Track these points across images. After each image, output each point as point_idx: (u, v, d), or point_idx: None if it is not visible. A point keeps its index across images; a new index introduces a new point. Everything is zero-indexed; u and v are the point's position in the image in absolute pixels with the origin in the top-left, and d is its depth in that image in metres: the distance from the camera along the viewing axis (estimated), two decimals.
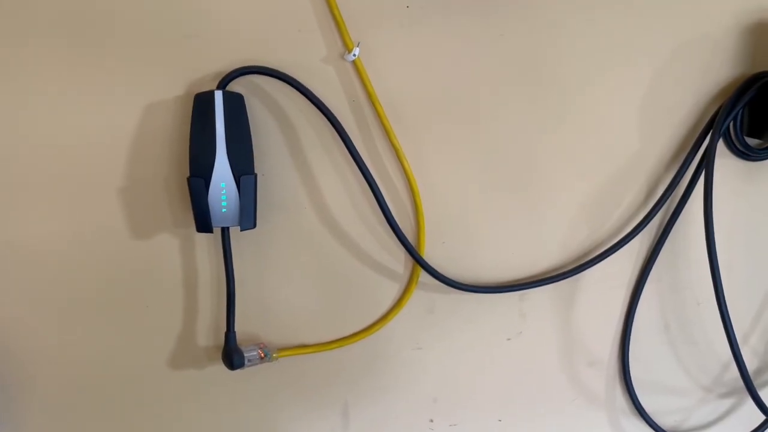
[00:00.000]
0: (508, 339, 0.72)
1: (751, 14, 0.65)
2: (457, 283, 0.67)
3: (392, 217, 0.64)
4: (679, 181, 0.67)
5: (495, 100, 0.65)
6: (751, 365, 0.77)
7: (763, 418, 0.74)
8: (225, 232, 0.61)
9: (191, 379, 0.68)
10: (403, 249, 0.66)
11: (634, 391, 0.74)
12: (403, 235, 0.64)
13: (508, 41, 0.63)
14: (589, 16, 0.64)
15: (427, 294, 0.69)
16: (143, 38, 0.59)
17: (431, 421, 0.74)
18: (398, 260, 0.68)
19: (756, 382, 0.78)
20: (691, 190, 0.68)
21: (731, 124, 0.67)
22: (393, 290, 0.69)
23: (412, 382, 0.72)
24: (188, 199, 0.59)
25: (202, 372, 0.68)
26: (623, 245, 0.68)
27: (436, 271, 0.66)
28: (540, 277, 0.69)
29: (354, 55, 0.60)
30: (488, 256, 0.69)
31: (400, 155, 0.64)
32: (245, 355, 0.64)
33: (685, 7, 0.64)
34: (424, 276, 0.68)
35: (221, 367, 0.65)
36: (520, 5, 0.63)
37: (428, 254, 0.68)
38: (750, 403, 0.70)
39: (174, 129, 0.61)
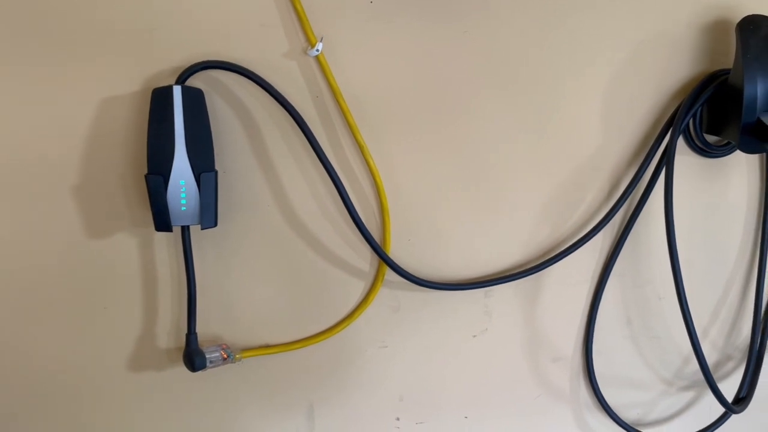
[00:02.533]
0: (474, 336, 0.72)
1: (710, 13, 0.66)
2: (423, 280, 0.67)
3: (357, 214, 0.63)
4: (640, 178, 0.68)
5: (460, 98, 0.65)
6: (710, 358, 0.79)
7: (722, 410, 0.76)
8: (185, 230, 0.60)
9: (151, 382, 0.67)
10: (369, 247, 0.65)
11: (597, 385, 0.75)
12: (369, 232, 0.64)
13: (473, 39, 0.63)
14: (551, 15, 0.64)
15: (392, 292, 0.69)
16: (99, 31, 0.57)
17: (398, 419, 0.73)
18: (364, 258, 0.67)
19: (715, 375, 0.80)
20: (652, 187, 0.69)
21: (691, 122, 0.68)
22: (358, 288, 0.68)
23: (378, 381, 0.72)
24: (146, 197, 0.57)
25: (163, 374, 0.66)
26: (586, 241, 0.69)
27: (401, 269, 0.66)
28: (505, 274, 0.69)
29: (317, 50, 0.59)
30: (454, 254, 0.69)
31: (365, 152, 0.63)
32: (207, 356, 0.62)
33: (646, 6, 0.65)
34: (389, 274, 0.67)
35: (183, 369, 0.63)
36: (484, 4, 0.63)
37: (394, 252, 0.67)
38: (710, 395, 0.72)
39: (131, 125, 0.59)
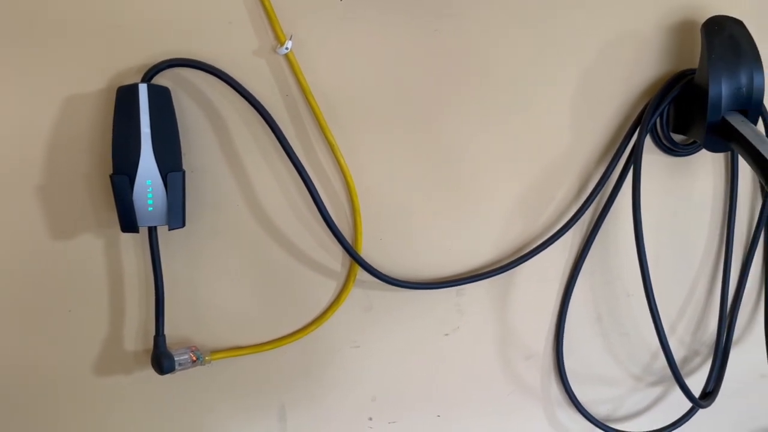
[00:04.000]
0: (446, 334, 0.72)
1: (676, 14, 0.67)
2: (395, 279, 0.67)
3: (328, 214, 0.62)
4: (608, 177, 0.69)
5: (431, 97, 0.65)
6: (678, 354, 0.80)
7: (689, 405, 0.77)
8: (152, 231, 0.59)
9: (119, 386, 0.65)
10: (340, 246, 0.65)
11: (568, 382, 0.76)
12: (340, 232, 0.63)
13: (444, 38, 0.63)
14: (522, 15, 0.64)
15: (364, 291, 0.69)
16: (62, 28, 0.56)
17: (370, 419, 0.73)
18: (335, 258, 0.67)
19: (683, 371, 0.81)
20: (621, 185, 0.70)
21: (658, 121, 0.69)
22: (330, 288, 0.68)
23: (350, 381, 0.71)
24: (112, 197, 0.56)
25: (131, 377, 0.65)
26: (556, 240, 0.69)
27: (373, 269, 0.65)
28: (476, 273, 0.70)
29: (286, 48, 0.59)
30: (425, 253, 0.69)
31: (335, 151, 0.63)
32: (176, 358, 0.61)
33: (613, 6, 0.66)
34: (361, 273, 0.67)
35: (151, 372, 0.62)
36: (454, 3, 0.63)
37: (366, 251, 0.67)
38: (678, 390, 0.73)
39: (96, 124, 0.58)
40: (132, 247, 0.61)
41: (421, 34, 0.63)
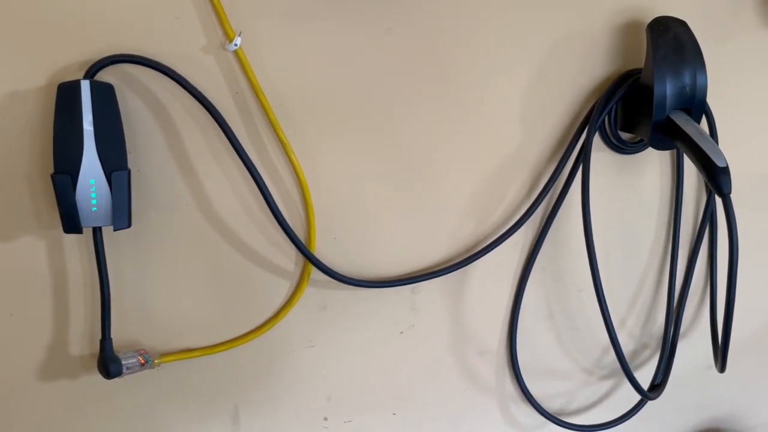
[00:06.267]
0: (401, 332, 0.72)
1: (623, 14, 0.68)
2: (349, 278, 0.67)
3: (280, 213, 0.62)
4: (559, 175, 0.70)
5: (384, 95, 0.64)
6: (628, 347, 0.82)
7: (639, 397, 0.79)
8: (97, 232, 0.57)
9: (65, 391, 0.64)
10: (293, 245, 0.64)
11: (522, 377, 0.77)
12: (292, 231, 0.63)
13: (396, 37, 0.63)
14: (473, 14, 0.64)
15: (319, 291, 0.68)
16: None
17: (325, 419, 0.73)
18: (288, 257, 0.66)
19: (633, 364, 0.83)
20: (571, 183, 0.71)
21: (606, 119, 0.70)
22: (283, 288, 0.67)
23: (305, 382, 0.71)
24: (54, 197, 0.54)
25: (77, 382, 0.63)
26: (508, 237, 0.70)
27: (326, 267, 0.65)
28: (430, 271, 0.70)
29: (235, 44, 0.58)
30: (380, 251, 0.69)
31: (287, 149, 0.62)
32: (123, 362, 0.60)
33: (561, 6, 0.67)
34: (315, 273, 0.67)
35: (99, 377, 0.60)
36: (406, 2, 0.63)
37: (319, 250, 0.66)
38: (628, 383, 0.74)
39: (36, 121, 0.56)
40: (76, 248, 0.60)
41: (374, 32, 0.63)
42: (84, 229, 0.56)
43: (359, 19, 0.62)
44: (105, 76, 0.56)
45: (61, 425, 0.65)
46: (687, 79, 0.64)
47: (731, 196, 0.60)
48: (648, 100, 0.64)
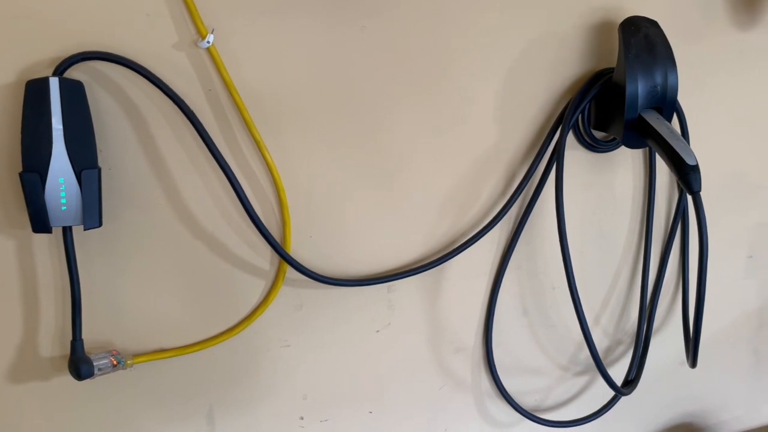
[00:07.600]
0: (377, 331, 0.72)
1: (595, 14, 0.69)
2: (325, 277, 0.66)
3: (254, 212, 0.61)
4: (533, 173, 0.71)
5: (359, 94, 0.64)
6: (602, 344, 0.83)
7: (613, 393, 0.80)
8: (67, 231, 0.56)
9: (35, 393, 0.62)
10: (268, 244, 0.64)
11: (497, 374, 0.77)
12: (267, 230, 0.62)
13: (371, 35, 0.63)
14: (448, 14, 0.65)
15: (294, 290, 0.68)
16: None
17: (302, 418, 0.73)
18: (263, 256, 0.66)
19: (607, 360, 0.84)
20: (545, 181, 0.72)
21: (579, 118, 0.71)
22: (259, 288, 0.67)
23: (281, 381, 0.70)
24: (23, 196, 0.53)
25: (48, 384, 0.62)
26: (484, 235, 0.70)
27: (302, 267, 0.65)
28: (406, 269, 0.70)
29: (208, 42, 0.57)
30: (356, 250, 0.69)
31: (261, 148, 0.62)
32: (95, 363, 0.59)
33: (535, 6, 0.67)
34: (291, 272, 0.66)
35: (69, 378, 0.60)
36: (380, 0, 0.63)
37: (295, 249, 0.66)
38: (602, 379, 0.75)
39: (3, 119, 0.55)
40: (46, 248, 0.59)
41: (348, 30, 0.63)
42: (54, 229, 0.55)
43: (334, 17, 0.62)
44: (75, 73, 0.55)
45: (31, 427, 0.63)
46: (658, 79, 0.65)
47: (701, 193, 0.61)
48: (620, 99, 0.65)
